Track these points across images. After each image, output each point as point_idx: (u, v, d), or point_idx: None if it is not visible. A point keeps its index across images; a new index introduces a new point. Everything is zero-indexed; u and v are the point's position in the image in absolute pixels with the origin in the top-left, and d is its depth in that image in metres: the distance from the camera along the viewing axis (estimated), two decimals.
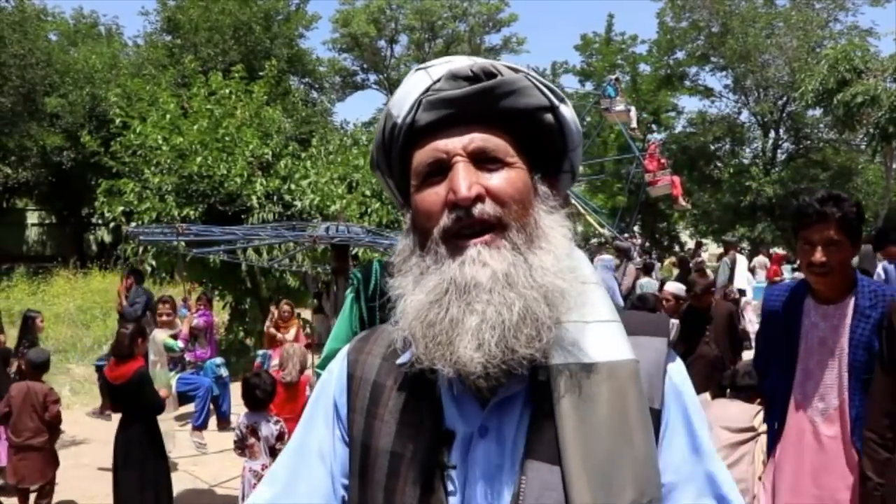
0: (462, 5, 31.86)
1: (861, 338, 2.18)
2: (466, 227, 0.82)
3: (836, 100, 14.61)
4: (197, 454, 5.81)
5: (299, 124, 18.55)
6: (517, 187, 0.85)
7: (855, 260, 3.20)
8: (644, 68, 27.55)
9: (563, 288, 0.82)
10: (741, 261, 11.49)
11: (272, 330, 7.39)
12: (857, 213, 2.20)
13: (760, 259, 14.52)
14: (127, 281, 7.43)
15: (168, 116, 9.81)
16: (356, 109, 68.87)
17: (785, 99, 24.73)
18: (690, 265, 11.77)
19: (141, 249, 9.18)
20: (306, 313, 10.40)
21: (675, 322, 5.15)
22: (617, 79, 18.00)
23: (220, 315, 10.68)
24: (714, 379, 4.23)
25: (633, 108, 17.75)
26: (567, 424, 0.80)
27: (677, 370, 0.91)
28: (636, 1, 39.48)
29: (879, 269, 7.13)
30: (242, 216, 9.29)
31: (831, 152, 24.77)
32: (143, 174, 9.37)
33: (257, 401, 4.10)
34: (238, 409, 6.35)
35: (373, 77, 33.78)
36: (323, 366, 2.41)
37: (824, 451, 2.22)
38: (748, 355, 6.10)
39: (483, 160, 0.85)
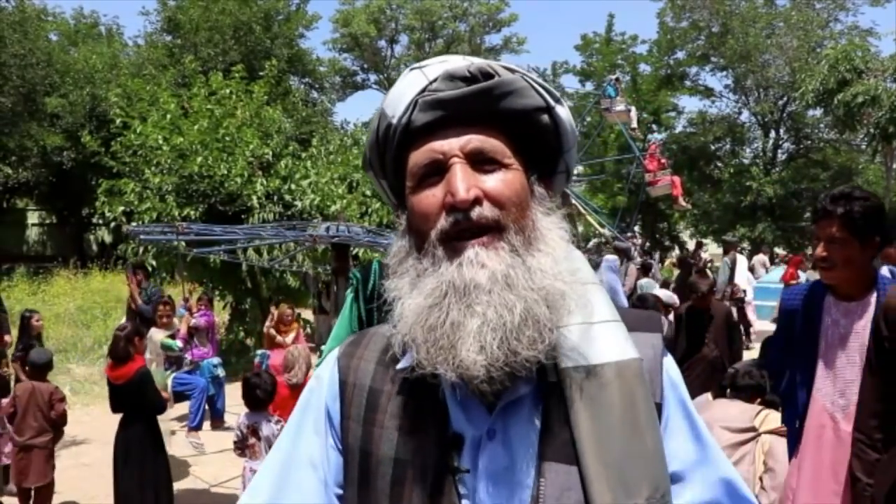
0: (462, 5, 31.88)
1: None
2: (464, 230, 0.81)
3: (836, 100, 14.61)
4: (196, 454, 5.81)
5: (299, 124, 18.56)
6: (515, 189, 0.84)
7: None
8: (644, 68, 27.59)
9: (563, 290, 0.81)
10: (741, 261, 11.49)
11: (272, 331, 7.38)
12: (864, 212, 2.18)
13: (760, 257, 14.53)
14: (136, 277, 7.29)
15: (168, 116, 9.81)
16: (356, 109, 68.99)
17: (785, 99, 24.76)
18: (693, 265, 11.75)
19: (141, 249, 9.19)
20: (307, 313, 10.40)
21: (665, 320, 5.19)
22: (617, 79, 18.01)
23: (221, 315, 10.67)
24: (714, 379, 4.23)
25: (633, 108, 17.77)
26: (583, 425, 0.80)
27: (671, 364, 0.93)
28: (636, 1, 39.57)
29: (885, 272, 7.06)
30: (243, 216, 9.29)
31: (832, 152, 24.81)
32: (143, 174, 9.38)
33: (258, 401, 4.09)
34: (233, 409, 6.38)
35: (373, 77, 33.87)
36: None
37: (844, 447, 2.20)
38: (748, 356, 6.12)
39: (480, 161, 0.84)
